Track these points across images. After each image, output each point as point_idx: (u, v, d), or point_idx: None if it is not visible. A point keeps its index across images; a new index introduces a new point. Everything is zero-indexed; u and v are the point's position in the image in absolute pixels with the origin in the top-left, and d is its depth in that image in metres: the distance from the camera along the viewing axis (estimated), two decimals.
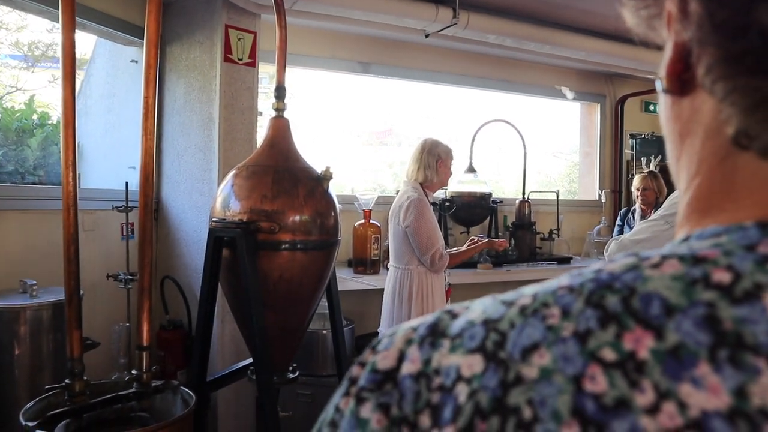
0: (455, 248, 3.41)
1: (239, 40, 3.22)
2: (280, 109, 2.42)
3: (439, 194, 4.50)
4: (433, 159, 3.13)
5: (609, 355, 0.33)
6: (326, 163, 2.35)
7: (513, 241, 4.62)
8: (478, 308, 0.40)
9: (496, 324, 0.37)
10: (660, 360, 0.32)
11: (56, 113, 3.56)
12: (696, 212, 0.42)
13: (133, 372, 2.11)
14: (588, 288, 0.36)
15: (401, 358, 0.39)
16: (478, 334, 0.37)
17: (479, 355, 0.36)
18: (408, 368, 0.38)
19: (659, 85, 0.44)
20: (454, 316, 0.41)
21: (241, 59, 3.24)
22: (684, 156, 0.43)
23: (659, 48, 0.43)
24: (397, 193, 3.49)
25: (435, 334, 0.40)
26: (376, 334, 3.37)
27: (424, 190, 3.14)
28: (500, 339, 0.36)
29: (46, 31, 4.36)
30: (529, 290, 0.40)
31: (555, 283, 0.39)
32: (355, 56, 4.36)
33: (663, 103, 0.45)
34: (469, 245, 3.33)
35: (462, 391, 0.35)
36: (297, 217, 2.23)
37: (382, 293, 3.29)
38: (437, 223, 3.20)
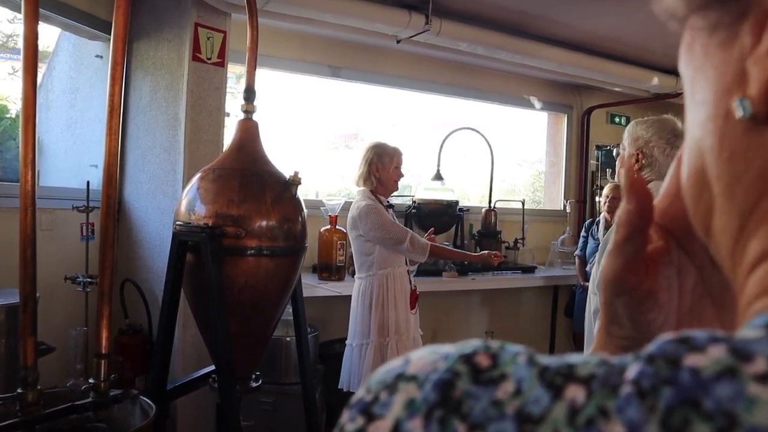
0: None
1: (208, 39, 3.16)
2: (249, 111, 2.38)
3: (406, 201, 4.50)
4: (366, 166, 3.15)
5: None
6: (293, 167, 2.32)
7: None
8: (511, 375, 0.28)
9: (535, 428, 0.26)
10: None
11: (15, 106, 3.45)
12: None
13: (90, 381, 2.04)
14: (665, 399, 0.24)
15: None
16: None
17: None
18: None
19: (741, 110, 0.31)
20: (476, 374, 0.29)
21: (209, 59, 3.18)
22: (761, 208, 0.31)
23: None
24: None
25: (448, 404, 0.28)
26: (342, 340, 3.34)
27: (376, 195, 3.13)
28: None
29: (6, 21, 4.23)
30: (581, 367, 0.28)
31: (617, 367, 0.27)
32: (325, 60, 4.32)
33: (724, 131, 0.33)
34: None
35: None
36: (264, 223, 2.19)
37: (347, 300, 3.27)
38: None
